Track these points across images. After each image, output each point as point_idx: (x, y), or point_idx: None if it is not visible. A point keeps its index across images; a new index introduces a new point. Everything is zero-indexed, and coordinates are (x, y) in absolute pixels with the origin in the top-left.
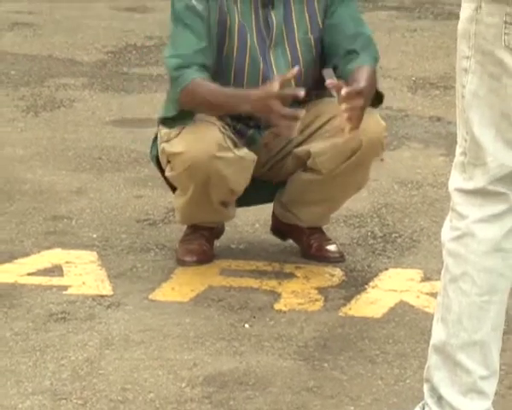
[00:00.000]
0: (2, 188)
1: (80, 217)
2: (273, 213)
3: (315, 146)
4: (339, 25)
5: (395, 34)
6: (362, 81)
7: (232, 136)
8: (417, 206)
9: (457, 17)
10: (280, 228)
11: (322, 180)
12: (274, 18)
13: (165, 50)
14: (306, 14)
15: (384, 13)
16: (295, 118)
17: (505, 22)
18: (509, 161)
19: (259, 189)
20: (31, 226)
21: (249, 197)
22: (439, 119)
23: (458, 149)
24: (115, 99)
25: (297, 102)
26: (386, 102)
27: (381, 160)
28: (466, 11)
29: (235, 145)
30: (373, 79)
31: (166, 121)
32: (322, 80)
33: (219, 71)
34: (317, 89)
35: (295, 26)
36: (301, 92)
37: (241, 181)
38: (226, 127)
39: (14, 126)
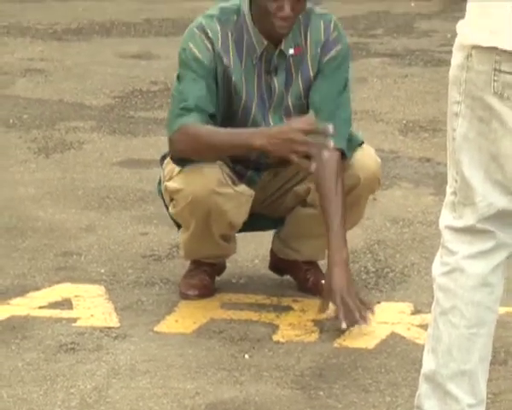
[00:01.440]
0: (15, 225)
1: (89, 253)
2: (271, 250)
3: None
4: (318, 100)
5: (387, 80)
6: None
7: (231, 174)
8: (408, 242)
9: (446, 64)
10: (278, 264)
11: (321, 215)
12: (276, 84)
13: (169, 109)
14: (300, 79)
15: (377, 60)
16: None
17: (494, 69)
18: (497, 201)
19: (259, 217)
20: (42, 262)
21: (249, 225)
22: (428, 160)
23: (449, 189)
24: (122, 141)
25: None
26: (378, 144)
27: (374, 199)
28: (457, 59)
29: (234, 183)
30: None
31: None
32: None
33: (224, 125)
34: None
35: (291, 90)
36: (330, 128)
37: (239, 215)
38: (225, 167)
39: (27, 167)
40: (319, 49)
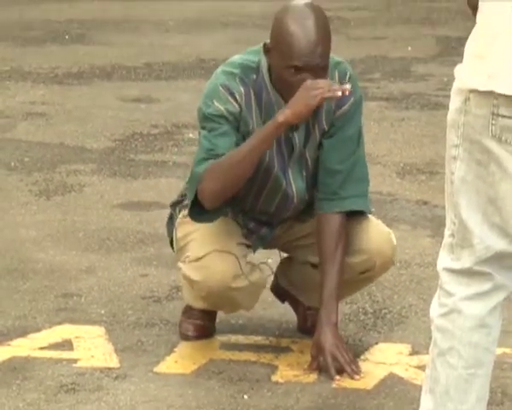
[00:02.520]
0: (16, 267)
1: (89, 294)
2: (275, 275)
3: None
4: (333, 160)
5: (384, 123)
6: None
7: (246, 250)
8: (406, 284)
9: (443, 108)
10: (280, 292)
11: None
12: (297, 140)
13: (194, 161)
14: (317, 133)
15: (374, 103)
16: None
17: (492, 113)
18: (495, 244)
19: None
20: (43, 303)
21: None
22: (425, 202)
23: (447, 231)
24: (122, 184)
25: (300, 220)
26: (376, 187)
27: None
28: (455, 103)
29: (252, 267)
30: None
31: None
32: None
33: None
34: None
35: (309, 144)
36: (347, 86)
37: (252, 302)
38: (241, 244)
39: (28, 209)
40: (333, 103)
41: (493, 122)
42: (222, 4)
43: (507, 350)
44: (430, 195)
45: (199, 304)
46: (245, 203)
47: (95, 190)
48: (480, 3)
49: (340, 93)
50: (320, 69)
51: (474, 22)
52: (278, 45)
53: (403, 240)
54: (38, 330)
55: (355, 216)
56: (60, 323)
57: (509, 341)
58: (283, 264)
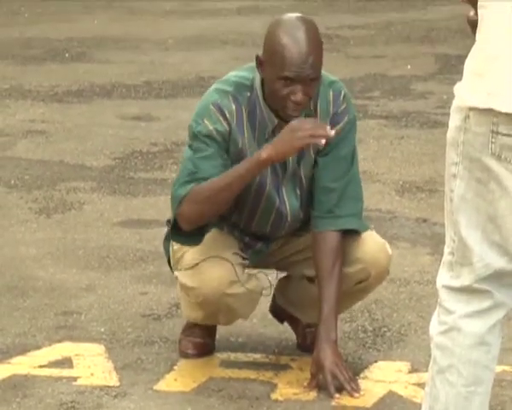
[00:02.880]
0: (16, 285)
1: (89, 312)
2: (274, 297)
3: None
4: (328, 179)
5: (384, 141)
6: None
7: (242, 261)
8: (405, 302)
9: (442, 126)
10: (278, 312)
11: None
12: (290, 158)
13: (175, 181)
14: (312, 151)
15: (373, 121)
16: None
17: (492, 131)
18: (494, 262)
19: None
20: (43, 321)
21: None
22: (424, 220)
23: (446, 249)
24: (122, 202)
25: (296, 235)
26: (375, 205)
27: None
28: (455, 121)
29: (248, 276)
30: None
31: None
32: None
33: (235, 204)
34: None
35: (303, 161)
36: (332, 132)
37: (248, 310)
38: (236, 256)
39: (28, 227)
40: (328, 121)
41: (493, 140)
42: (221, 22)
43: (506, 368)
44: (429, 212)
45: (196, 315)
46: (239, 223)
47: (95, 207)
48: (479, 22)
49: (323, 141)
50: (311, 81)
51: (473, 40)
52: (270, 57)
53: (402, 258)
54: (38, 347)
55: (350, 231)
56: (60, 341)
57: (509, 358)
58: (280, 283)
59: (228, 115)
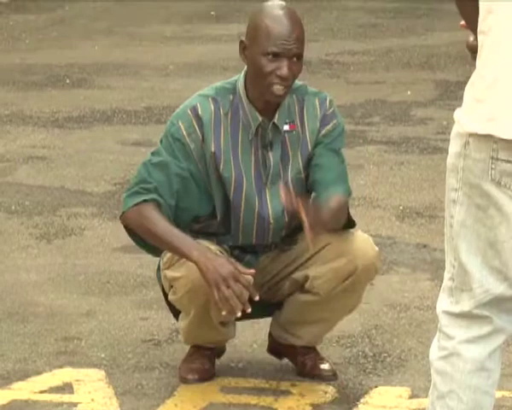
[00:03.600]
0: (17, 310)
1: (89, 337)
2: (270, 334)
3: (313, 270)
4: (318, 174)
5: (384, 167)
6: (327, 210)
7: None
8: (405, 327)
9: (442, 152)
10: (276, 348)
11: (319, 301)
12: (272, 159)
13: (145, 160)
14: (299, 155)
15: (373, 147)
16: (234, 308)
17: (492, 158)
18: (494, 288)
19: (258, 304)
20: (43, 346)
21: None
22: (424, 246)
23: (446, 275)
24: (123, 227)
25: (294, 231)
26: (375, 230)
27: (371, 284)
28: (454, 147)
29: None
30: (342, 207)
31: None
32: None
33: (225, 210)
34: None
35: (290, 166)
36: (256, 297)
37: (238, 303)
38: (223, 252)
39: (29, 253)
40: (318, 123)
41: (492, 166)
42: (222, 48)
43: (506, 393)
44: (429, 238)
45: (190, 320)
46: (227, 237)
47: (95, 233)
48: (479, 48)
49: (239, 313)
50: (295, 57)
51: (472, 67)
52: (255, 36)
53: (402, 283)
54: (39, 373)
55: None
56: (60, 366)
57: (509, 384)
58: (273, 320)
59: (203, 119)
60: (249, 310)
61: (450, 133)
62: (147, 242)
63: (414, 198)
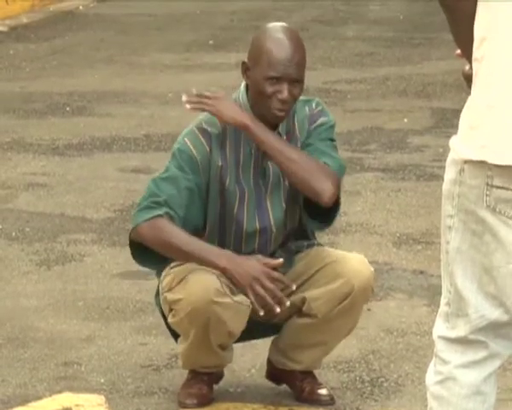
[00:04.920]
0: (17, 336)
1: (89, 363)
2: (268, 359)
3: (310, 292)
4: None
5: (381, 194)
6: None
7: (228, 283)
8: (402, 353)
9: (438, 179)
10: (274, 374)
11: (317, 324)
12: (271, 168)
13: (142, 198)
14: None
15: (370, 174)
16: (278, 299)
17: (487, 184)
18: (489, 313)
19: (256, 326)
20: (43, 372)
21: (247, 334)
22: (421, 272)
23: (443, 300)
24: (122, 253)
25: (290, 253)
26: (372, 256)
27: (369, 309)
28: (450, 173)
29: (232, 292)
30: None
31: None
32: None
33: (220, 223)
34: (306, 237)
35: None
36: (293, 286)
37: (238, 324)
38: (223, 277)
39: (29, 279)
40: (307, 124)
41: (487, 193)
42: (221, 77)
43: None
44: (426, 264)
45: (189, 343)
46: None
47: (95, 259)
48: (473, 76)
49: (278, 309)
50: (296, 82)
51: (468, 95)
52: (257, 60)
53: (399, 309)
54: (39, 398)
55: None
56: (60, 391)
57: (505, 409)
58: (272, 345)
59: (211, 133)
60: (288, 303)
61: (446, 160)
62: (153, 256)
63: (411, 225)
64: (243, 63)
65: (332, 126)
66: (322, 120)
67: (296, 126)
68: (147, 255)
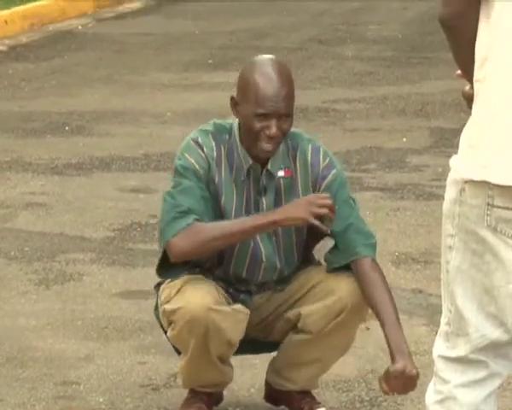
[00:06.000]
0: (15, 355)
1: (88, 382)
2: (266, 381)
3: (305, 308)
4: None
5: (379, 213)
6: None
7: (225, 294)
8: None
9: (437, 198)
10: (273, 395)
11: (312, 340)
12: (265, 204)
13: (162, 217)
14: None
15: (369, 193)
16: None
17: (487, 204)
18: (490, 333)
19: (254, 343)
20: (42, 391)
21: (246, 347)
22: (420, 291)
23: (443, 319)
24: (121, 273)
25: (278, 290)
26: None
27: (367, 328)
28: (450, 193)
29: (229, 302)
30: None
31: (163, 273)
32: (307, 255)
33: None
34: (302, 264)
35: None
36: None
37: (236, 333)
38: (220, 288)
39: (28, 298)
40: (309, 174)
41: (488, 212)
42: (219, 96)
43: None
44: (425, 284)
45: (188, 348)
46: (216, 269)
47: (94, 279)
48: (475, 95)
49: (328, 230)
50: (284, 117)
51: (467, 114)
52: (244, 95)
53: None
54: None
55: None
56: None
57: None
58: (269, 366)
59: (207, 151)
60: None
61: (445, 180)
62: (175, 267)
63: (410, 244)
64: (232, 98)
65: (345, 180)
66: (333, 174)
67: (297, 163)
68: (168, 267)
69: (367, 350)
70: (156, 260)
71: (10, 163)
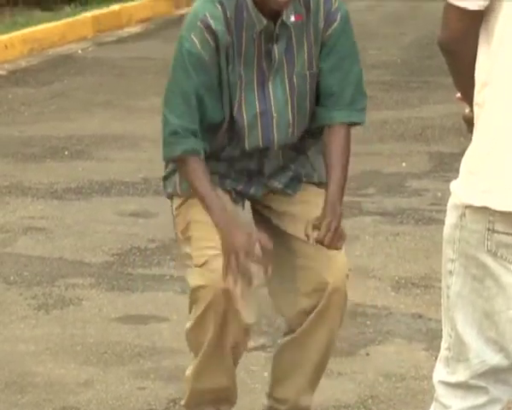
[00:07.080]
0: (14, 381)
1: (87, 407)
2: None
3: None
4: (328, 74)
5: (379, 238)
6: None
7: (235, 198)
8: (401, 397)
9: (437, 222)
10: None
11: (296, 340)
12: (276, 52)
13: (163, 105)
14: (305, 48)
15: (369, 218)
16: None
17: (488, 229)
18: (490, 359)
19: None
20: None
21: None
22: (420, 316)
23: (443, 345)
24: (120, 298)
25: (283, 194)
26: (371, 300)
27: (367, 354)
28: (451, 218)
29: (240, 204)
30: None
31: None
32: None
33: (226, 118)
34: (311, 126)
35: (295, 60)
36: (269, 270)
37: (252, 312)
38: (229, 201)
39: (27, 323)
40: (321, 20)
41: (488, 237)
42: None
43: None
44: (425, 308)
45: (204, 340)
46: (233, 152)
47: (93, 303)
48: (475, 120)
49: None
50: None
51: (467, 138)
52: None
53: (398, 354)
54: None
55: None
56: None
57: None
58: (266, 392)
59: (216, 31)
60: (256, 283)
61: (444, 204)
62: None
63: (409, 268)
64: None
65: (348, 20)
66: (337, 20)
67: (311, 8)
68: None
69: (367, 376)
70: (155, 283)
71: (10, 188)
